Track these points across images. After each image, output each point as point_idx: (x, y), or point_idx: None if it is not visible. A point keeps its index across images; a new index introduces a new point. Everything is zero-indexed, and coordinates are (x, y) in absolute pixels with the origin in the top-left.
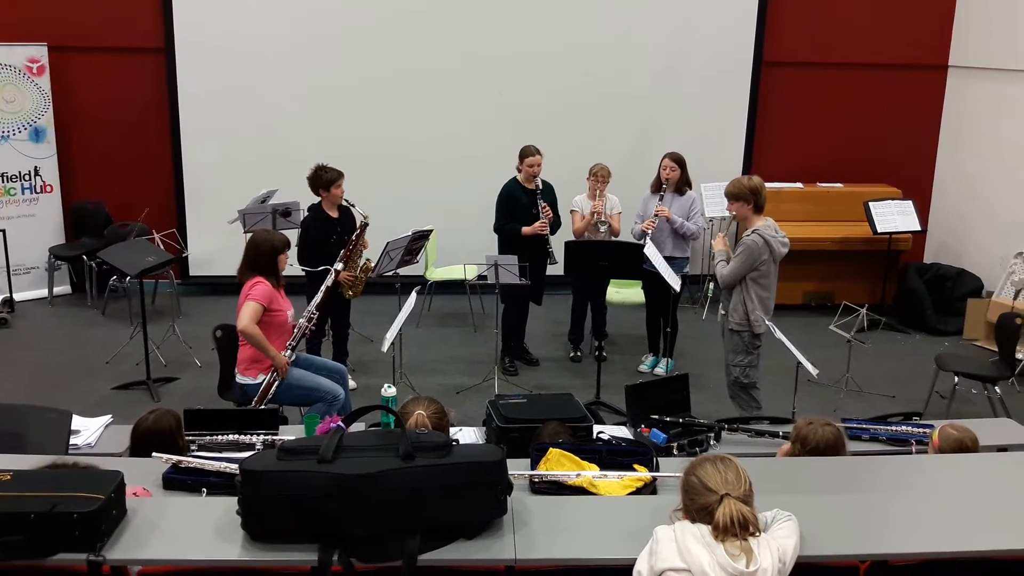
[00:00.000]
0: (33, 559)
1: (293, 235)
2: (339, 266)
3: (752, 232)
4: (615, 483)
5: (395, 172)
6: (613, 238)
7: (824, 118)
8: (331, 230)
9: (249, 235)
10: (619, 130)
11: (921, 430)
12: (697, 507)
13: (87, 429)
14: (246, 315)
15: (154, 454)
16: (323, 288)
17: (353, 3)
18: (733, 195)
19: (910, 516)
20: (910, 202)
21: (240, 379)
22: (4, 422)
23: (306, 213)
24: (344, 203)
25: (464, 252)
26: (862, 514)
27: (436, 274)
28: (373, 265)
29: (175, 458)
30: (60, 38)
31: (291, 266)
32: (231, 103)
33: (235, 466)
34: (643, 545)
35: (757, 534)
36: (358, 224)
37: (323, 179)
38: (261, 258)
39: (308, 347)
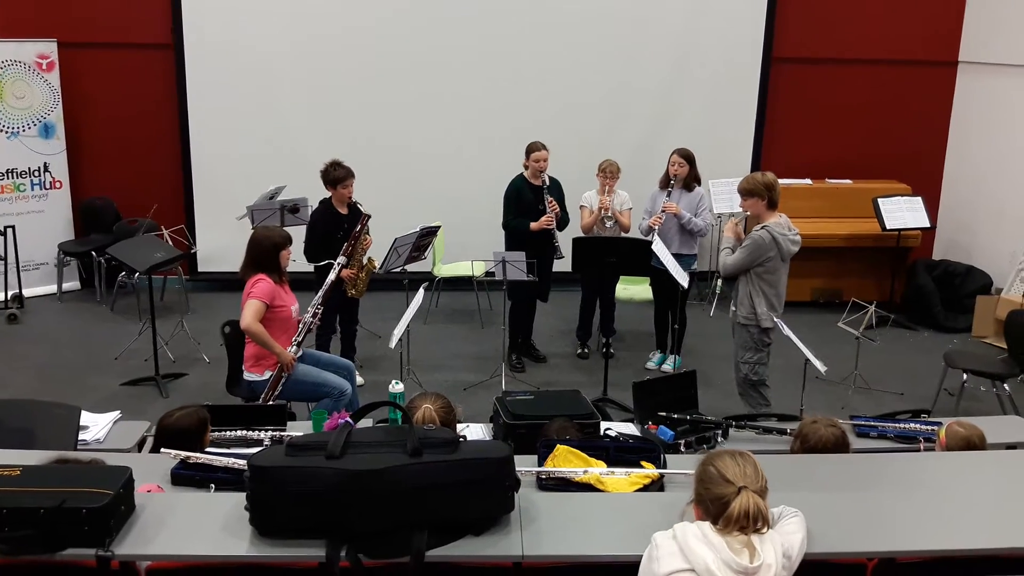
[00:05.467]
0: (42, 554)
1: (301, 231)
2: (342, 260)
3: (762, 228)
4: (622, 480)
5: (403, 168)
6: (622, 234)
7: (833, 114)
8: (338, 226)
9: None
10: (628, 126)
11: (929, 428)
12: (712, 496)
13: (96, 425)
14: (248, 313)
15: (162, 450)
16: (327, 282)
17: None
18: (747, 191)
19: (918, 514)
20: (919, 199)
21: (247, 376)
22: (13, 417)
23: (315, 207)
24: (352, 203)
25: (472, 249)
26: (870, 512)
27: (444, 271)
28: (377, 265)
29: (183, 454)
30: (70, 34)
31: (294, 261)
32: (240, 99)
33: (243, 462)
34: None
35: (764, 530)
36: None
37: (331, 176)
38: (262, 255)
39: (317, 344)
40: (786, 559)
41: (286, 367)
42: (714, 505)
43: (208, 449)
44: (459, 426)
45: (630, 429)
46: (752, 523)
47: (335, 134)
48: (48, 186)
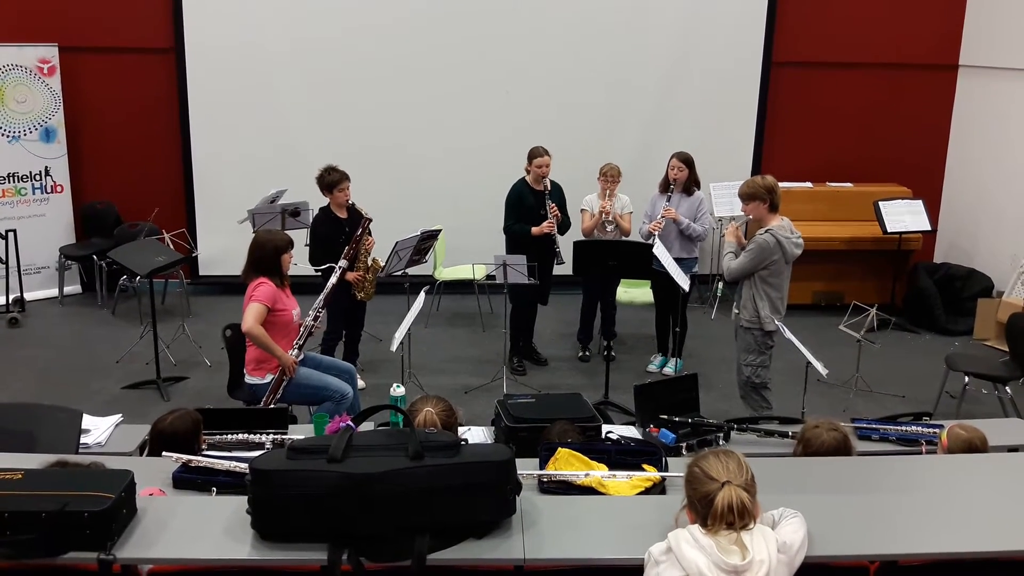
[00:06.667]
0: (44, 558)
1: (302, 235)
2: (343, 263)
3: (766, 231)
4: (624, 483)
5: (404, 172)
6: (623, 238)
7: (834, 118)
8: (339, 230)
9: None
10: (627, 129)
11: (931, 430)
12: (699, 496)
13: (97, 428)
14: (250, 316)
15: (164, 453)
16: (328, 286)
17: (364, 1)
18: (748, 195)
19: (920, 517)
20: (920, 202)
21: (248, 379)
22: (15, 421)
23: (316, 212)
24: (350, 205)
25: (473, 252)
26: (871, 514)
27: (445, 274)
28: (382, 264)
29: (185, 457)
30: (71, 38)
31: (295, 265)
32: (241, 103)
33: (245, 465)
34: (652, 545)
35: (751, 525)
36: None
37: (326, 181)
38: (265, 258)
39: (322, 349)
40: (783, 554)
41: (287, 370)
42: (701, 504)
43: (210, 452)
44: (460, 429)
45: (631, 432)
46: (738, 517)
47: (336, 137)
48: (49, 190)
